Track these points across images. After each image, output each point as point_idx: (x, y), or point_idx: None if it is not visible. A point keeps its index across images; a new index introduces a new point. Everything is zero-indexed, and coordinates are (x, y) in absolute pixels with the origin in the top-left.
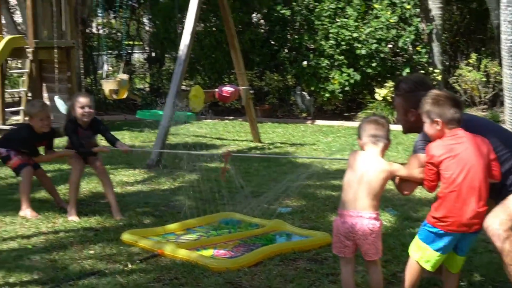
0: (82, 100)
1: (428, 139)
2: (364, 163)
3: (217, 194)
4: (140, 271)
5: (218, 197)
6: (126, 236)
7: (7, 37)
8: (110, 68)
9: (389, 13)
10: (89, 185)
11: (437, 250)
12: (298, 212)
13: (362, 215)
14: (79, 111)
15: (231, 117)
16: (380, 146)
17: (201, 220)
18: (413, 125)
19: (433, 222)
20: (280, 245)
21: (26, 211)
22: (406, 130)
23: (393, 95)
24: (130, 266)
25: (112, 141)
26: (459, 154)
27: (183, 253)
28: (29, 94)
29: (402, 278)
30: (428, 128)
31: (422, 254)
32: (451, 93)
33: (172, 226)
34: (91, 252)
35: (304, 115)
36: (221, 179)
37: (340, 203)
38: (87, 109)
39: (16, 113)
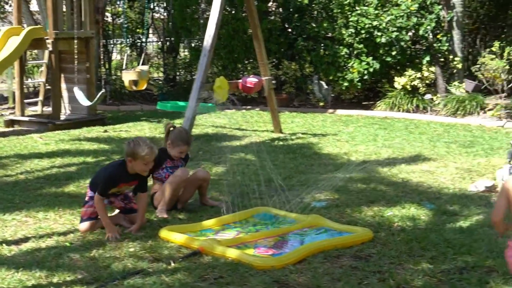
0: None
1: None
2: None
3: (248, 188)
4: (183, 269)
5: (249, 191)
6: (164, 233)
7: (28, 28)
8: (123, 58)
9: (409, 0)
10: None
11: None
12: (333, 207)
13: None
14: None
15: (248, 107)
16: None
17: (237, 216)
18: None
19: None
20: (323, 242)
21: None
22: None
23: (412, 83)
24: (173, 264)
25: None
26: None
27: (224, 251)
28: (47, 85)
29: None
30: None
31: None
32: None
33: (209, 222)
34: (131, 249)
35: (321, 104)
36: None
37: None
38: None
39: (34, 103)
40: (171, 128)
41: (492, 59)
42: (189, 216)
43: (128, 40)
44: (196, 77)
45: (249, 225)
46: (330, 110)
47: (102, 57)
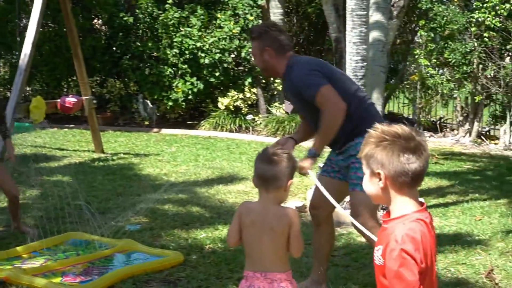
0: None
1: None
2: (263, 213)
3: (62, 212)
4: None
5: (63, 215)
6: None
7: None
8: None
9: (232, 23)
10: None
11: None
12: (148, 230)
13: (271, 277)
14: None
15: (71, 125)
16: (272, 192)
17: (47, 242)
18: (269, 66)
19: None
20: (132, 267)
21: None
22: (266, 73)
23: (235, 104)
24: None
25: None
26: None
27: (30, 280)
28: None
29: None
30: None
31: None
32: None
33: (16, 250)
34: None
35: (146, 123)
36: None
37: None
38: None
39: None
40: None
41: None
42: None
43: None
44: (11, 97)
45: (58, 252)
46: (155, 130)
47: None
